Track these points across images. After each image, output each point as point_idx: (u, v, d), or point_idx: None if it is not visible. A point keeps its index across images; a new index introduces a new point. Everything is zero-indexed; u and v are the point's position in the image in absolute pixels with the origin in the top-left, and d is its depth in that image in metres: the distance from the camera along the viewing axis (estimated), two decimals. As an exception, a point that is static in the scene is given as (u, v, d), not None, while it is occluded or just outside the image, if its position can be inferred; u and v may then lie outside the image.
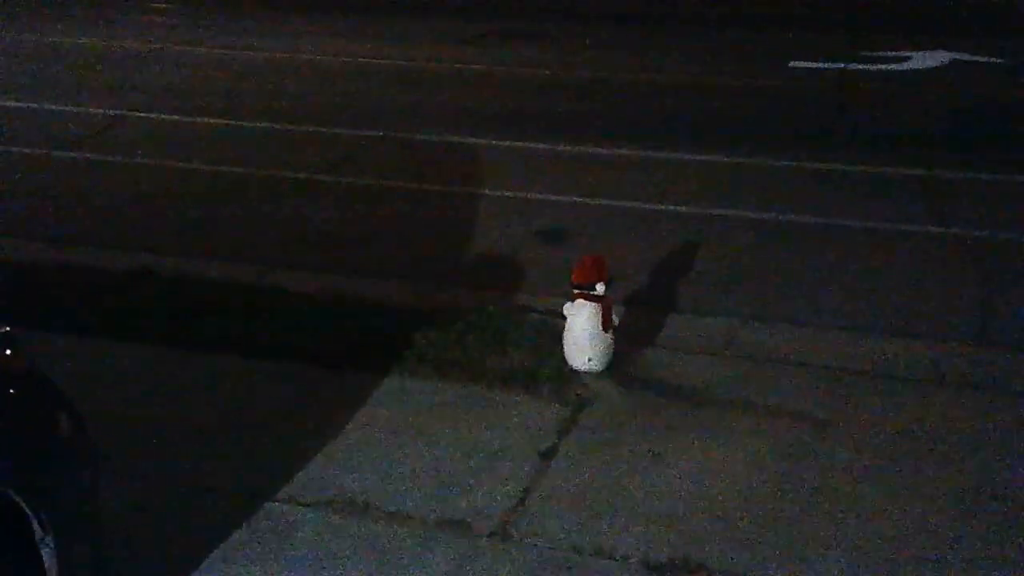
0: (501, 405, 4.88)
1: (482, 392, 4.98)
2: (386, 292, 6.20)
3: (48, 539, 2.77)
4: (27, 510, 2.71)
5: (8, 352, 2.88)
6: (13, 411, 2.85)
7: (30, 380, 2.97)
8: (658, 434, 4.62)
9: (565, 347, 5.16)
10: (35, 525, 2.74)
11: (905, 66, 13.37)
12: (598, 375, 5.12)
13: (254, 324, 5.64)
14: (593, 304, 5.04)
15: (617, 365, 5.18)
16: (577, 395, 4.95)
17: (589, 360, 5.09)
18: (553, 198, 8.20)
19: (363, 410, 4.82)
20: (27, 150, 9.33)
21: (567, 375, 5.11)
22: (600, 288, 5.05)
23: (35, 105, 10.99)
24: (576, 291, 5.10)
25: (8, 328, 2.94)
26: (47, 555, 2.78)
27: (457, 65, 13.50)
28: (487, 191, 8.32)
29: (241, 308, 5.86)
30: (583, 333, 5.06)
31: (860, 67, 13.24)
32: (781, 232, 7.50)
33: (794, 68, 13.25)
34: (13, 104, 11.00)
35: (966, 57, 13.81)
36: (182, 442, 4.52)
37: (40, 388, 3.01)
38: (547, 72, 13.16)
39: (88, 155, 9.31)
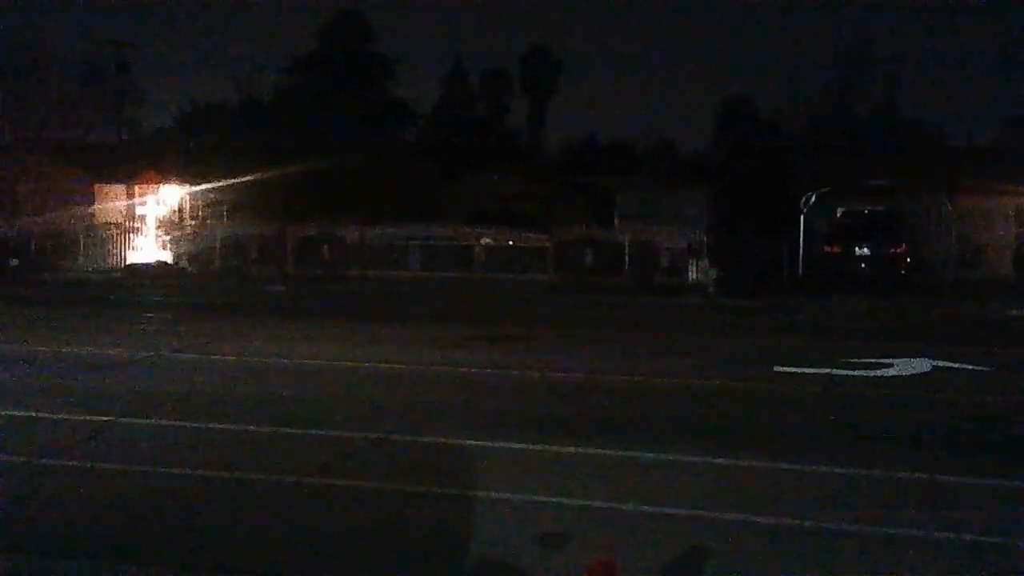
0: None
1: None
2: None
3: None
4: None
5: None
6: None
7: None
8: None
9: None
10: None
11: (889, 372, 13.62)
12: None
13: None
14: (606, 614, 4.73)
15: None
16: None
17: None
18: (549, 500, 7.98)
19: None
20: (10, 458, 9.11)
21: None
22: (610, 595, 4.77)
23: (22, 413, 10.89)
24: (585, 599, 4.81)
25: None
26: None
27: (447, 368, 13.67)
28: (482, 493, 8.11)
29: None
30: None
31: (844, 372, 13.48)
32: (784, 536, 7.25)
33: (779, 372, 13.47)
34: (0, 412, 10.91)
35: (948, 364, 14.12)
36: None
37: None
38: (536, 375, 13.31)
39: (71, 463, 9.09)
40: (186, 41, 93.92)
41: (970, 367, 14.04)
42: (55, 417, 10.68)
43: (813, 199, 30.73)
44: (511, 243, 31.39)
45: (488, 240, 31.45)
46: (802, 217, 30.34)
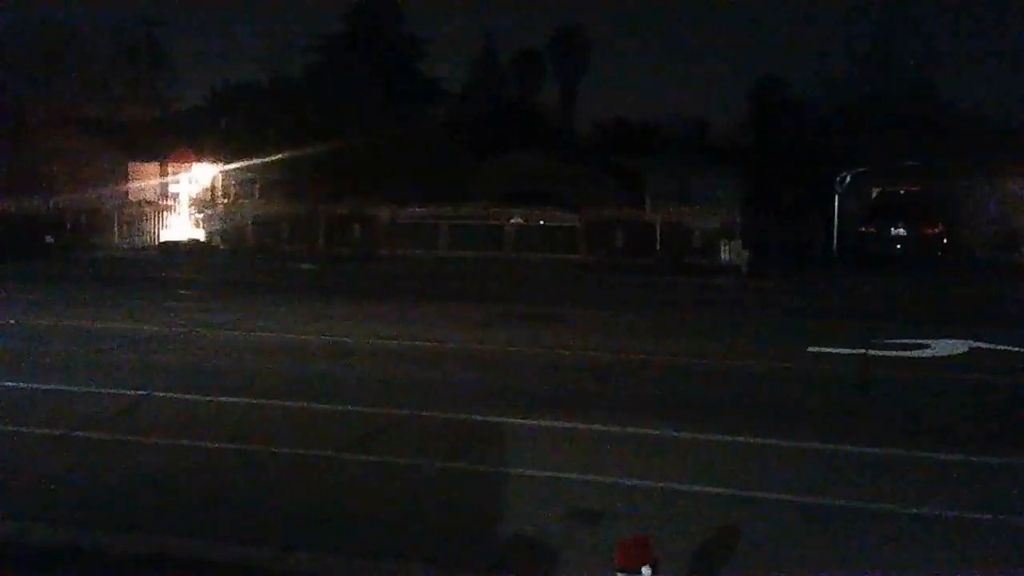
0: None
1: None
2: (412, 574, 5.85)
3: None
4: None
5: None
6: None
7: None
8: None
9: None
10: None
11: (926, 353, 13.44)
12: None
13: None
14: (640, 591, 4.68)
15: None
16: None
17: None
18: (581, 477, 7.95)
19: None
20: (46, 431, 9.20)
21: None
22: (646, 572, 4.71)
23: (58, 387, 10.99)
24: (620, 575, 4.76)
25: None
26: None
27: (477, 346, 13.66)
28: (514, 470, 8.09)
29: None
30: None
31: (880, 353, 13.32)
32: (819, 516, 7.18)
33: (813, 352, 13.34)
34: (37, 386, 11.01)
35: (986, 345, 13.93)
36: None
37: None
38: (566, 353, 13.26)
39: (107, 436, 9.16)
40: (217, 19, 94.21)
41: (1009, 348, 13.83)
42: (91, 391, 10.76)
43: (848, 179, 30.38)
44: (541, 223, 31.30)
45: (518, 220, 31.37)
46: (836, 197, 30.01)
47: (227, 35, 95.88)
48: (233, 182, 38.29)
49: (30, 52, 47.28)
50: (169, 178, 37.58)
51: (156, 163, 38.55)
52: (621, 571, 4.76)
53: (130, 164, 38.95)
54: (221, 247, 33.03)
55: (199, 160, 37.36)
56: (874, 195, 32.73)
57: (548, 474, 7.99)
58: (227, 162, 37.54)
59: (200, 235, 34.04)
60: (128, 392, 10.65)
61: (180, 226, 34.71)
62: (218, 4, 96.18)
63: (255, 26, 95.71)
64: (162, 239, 33.70)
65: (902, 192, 32.52)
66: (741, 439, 9.02)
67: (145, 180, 38.12)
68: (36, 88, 46.72)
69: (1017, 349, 13.77)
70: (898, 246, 30.06)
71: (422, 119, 47.45)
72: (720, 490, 7.67)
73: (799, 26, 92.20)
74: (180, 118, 47.49)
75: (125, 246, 33.25)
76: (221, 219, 34.47)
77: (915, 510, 7.27)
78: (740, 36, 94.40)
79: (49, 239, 31.40)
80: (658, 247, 29.80)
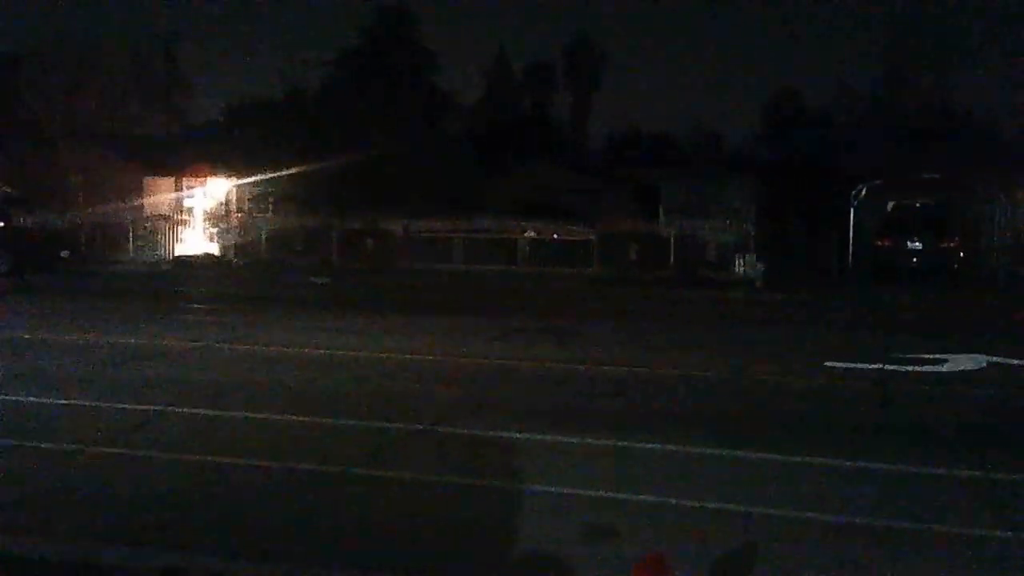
0: None
1: None
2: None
3: None
4: None
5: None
6: None
7: None
8: None
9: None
10: None
11: (943, 368, 13.34)
12: None
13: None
14: (658, 610, 4.61)
15: None
16: None
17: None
18: (594, 494, 7.89)
19: None
20: (61, 446, 9.20)
21: None
22: (663, 591, 4.65)
23: (73, 402, 11.00)
24: (636, 594, 4.70)
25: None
26: None
27: (491, 360, 13.62)
28: (527, 486, 8.04)
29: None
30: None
31: (897, 368, 13.22)
32: (840, 535, 7.10)
33: (829, 367, 13.25)
34: (51, 401, 11.03)
35: (1004, 360, 13.81)
36: None
37: None
38: (581, 367, 13.21)
39: (121, 451, 9.15)
40: (233, 35, 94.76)
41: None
42: (105, 406, 10.77)
43: (863, 192, 30.25)
44: (555, 236, 31.27)
45: (532, 233, 31.36)
46: (852, 210, 29.88)
47: (243, 50, 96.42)
48: (247, 196, 38.43)
49: (48, 68, 47.62)
50: (184, 193, 37.76)
51: (171, 178, 38.74)
52: (638, 592, 4.69)
53: (146, 179, 39.13)
54: (235, 261, 33.13)
55: (214, 175, 37.54)
56: (889, 208, 32.56)
57: (562, 490, 7.94)
58: (242, 176, 37.69)
59: (215, 249, 34.17)
60: (143, 407, 10.65)
61: (195, 240, 34.85)
62: (234, 21, 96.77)
63: (271, 41, 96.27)
64: (177, 253, 33.83)
65: (918, 205, 32.35)
66: (757, 455, 8.95)
67: (160, 195, 38.28)
68: (53, 103, 47.03)
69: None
70: (914, 259, 29.89)
71: (436, 132, 47.54)
72: (735, 507, 7.60)
73: (814, 39, 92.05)
74: (196, 133, 47.75)
75: (140, 260, 33.39)
76: (236, 233, 34.59)
77: (934, 527, 7.19)
78: (754, 49, 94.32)
79: (64, 253, 31.54)
80: (672, 260, 29.74)
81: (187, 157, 38.89)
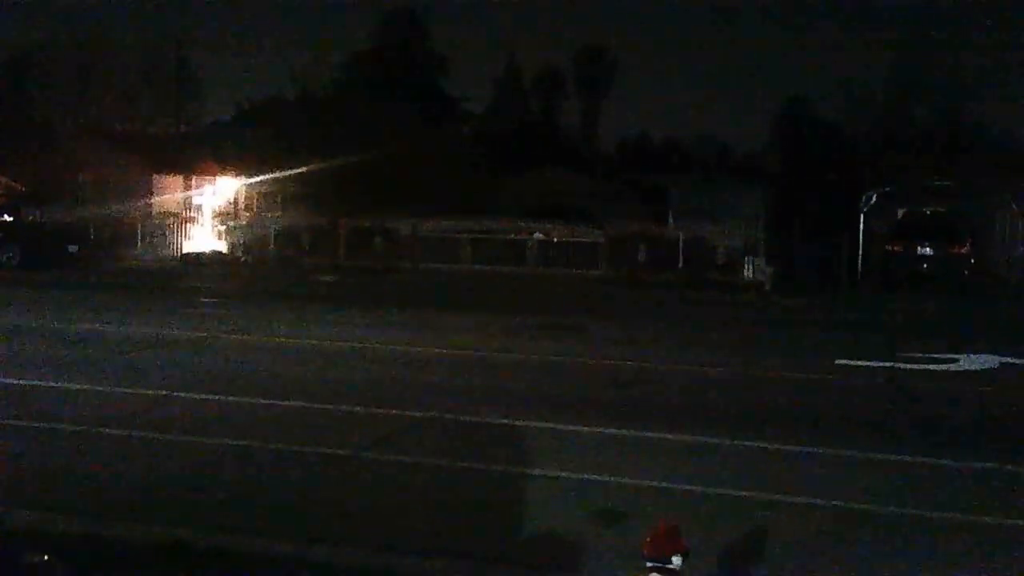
0: None
1: None
2: (436, 570, 5.74)
3: None
4: None
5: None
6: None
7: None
8: None
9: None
10: None
11: (954, 367, 13.24)
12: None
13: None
14: (669, 582, 4.54)
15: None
16: None
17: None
18: (604, 480, 7.83)
19: None
20: (73, 427, 9.16)
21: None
22: (676, 561, 4.58)
23: (84, 386, 10.95)
24: (649, 565, 4.62)
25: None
26: None
27: (499, 354, 13.55)
28: (537, 471, 7.97)
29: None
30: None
31: (909, 366, 13.12)
32: (849, 521, 7.03)
33: (841, 365, 13.15)
34: (63, 385, 10.99)
35: (1014, 360, 13.70)
36: None
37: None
38: (588, 362, 13.15)
39: (131, 432, 9.11)
40: (243, 36, 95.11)
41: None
42: (114, 390, 10.74)
43: (873, 199, 30.12)
44: (564, 238, 31.19)
45: (540, 235, 31.27)
46: (862, 216, 29.75)
47: (254, 51, 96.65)
48: (256, 194, 38.44)
49: (60, 67, 47.75)
50: (193, 191, 37.77)
51: (180, 176, 38.76)
52: (650, 561, 4.63)
53: (155, 177, 39.13)
54: (243, 259, 33.08)
55: (223, 173, 37.54)
56: (900, 215, 32.44)
57: (570, 475, 7.88)
58: (251, 175, 37.70)
59: (223, 247, 34.13)
60: (150, 392, 10.62)
61: (203, 238, 34.83)
62: (245, 22, 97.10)
63: (282, 42, 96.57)
64: (185, 250, 33.81)
65: (928, 212, 32.21)
66: (766, 445, 8.88)
67: (169, 193, 38.30)
68: (64, 102, 47.15)
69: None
70: (924, 265, 29.72)
71: (445, 134, 47.54)
72: (745, 494, 7.53)
73: (824, 47, 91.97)
74: (205, 132, 47.80)
75: (148, 257, 33.36)
76: (243, 231, 34.57)
77: (943, 514, 7.12)
78: (765, 57, 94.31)
79: (73, 249, 31.51)
80: (681, 263, 29.61)
81: (196, 156, 38.91)
